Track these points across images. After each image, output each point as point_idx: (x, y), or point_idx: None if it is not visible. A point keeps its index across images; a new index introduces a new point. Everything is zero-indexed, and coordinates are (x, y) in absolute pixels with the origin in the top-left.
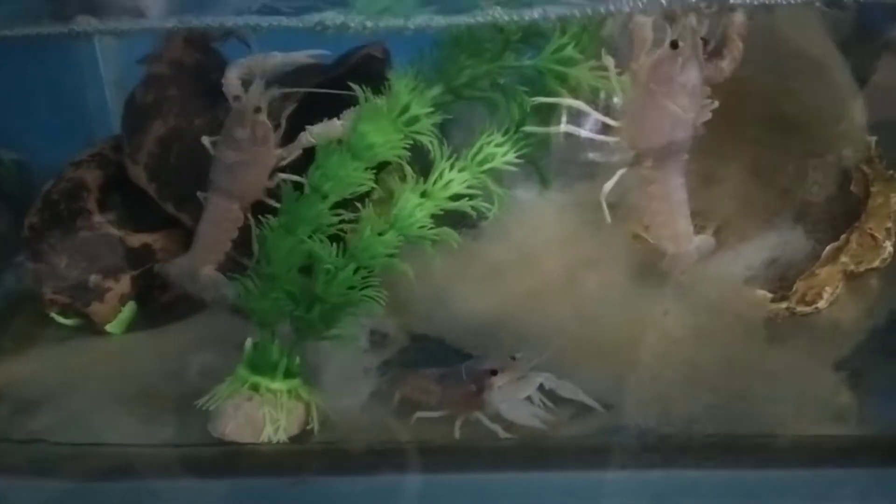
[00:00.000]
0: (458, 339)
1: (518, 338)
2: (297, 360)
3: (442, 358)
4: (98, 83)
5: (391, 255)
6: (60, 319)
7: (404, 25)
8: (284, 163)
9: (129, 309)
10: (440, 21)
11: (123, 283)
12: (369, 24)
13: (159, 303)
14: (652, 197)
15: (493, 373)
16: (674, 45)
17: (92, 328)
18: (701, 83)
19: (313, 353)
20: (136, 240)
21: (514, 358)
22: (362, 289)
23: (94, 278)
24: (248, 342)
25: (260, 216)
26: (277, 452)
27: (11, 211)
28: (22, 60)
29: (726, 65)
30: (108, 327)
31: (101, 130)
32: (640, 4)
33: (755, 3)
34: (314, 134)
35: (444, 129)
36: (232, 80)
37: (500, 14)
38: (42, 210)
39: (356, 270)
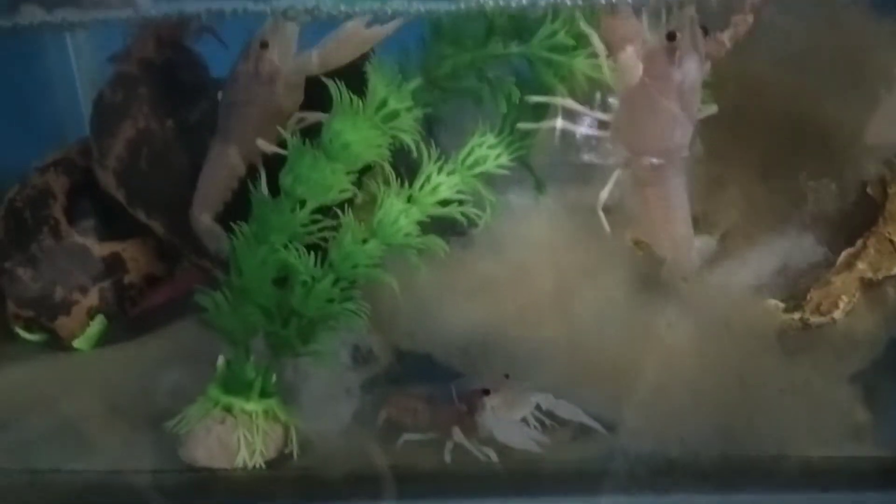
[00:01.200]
0: (447, 355)
1: (511, 354)
2: (274, 378)
3: (430, 376)
4: (70, 81)
5: (374, 266)
6: (25, 335)
7: (381, 9)
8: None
9: (99, 323)
10: (419, 6)
11: (92, 296)
12: (343, 7)
13: (130, 315)
14: (649, 201)
15: (486, 393)
16: (671, 36)
17: (58, 344)
18: (700, 78)
19: (291, 370)
20: (104, 249)
21: (507, 376)
22: (342, 302)
23: (60, 291)
24: (221, 360)
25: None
26: (253, 479)
27: None
28: None
29: (727, 37)
30: (76, 343)
31: (73, 132)
32: None
33: None
34: None
35: (431, 129)
36: None
37: (486, 0)
38: (5, 218)
39: (335, 282)
